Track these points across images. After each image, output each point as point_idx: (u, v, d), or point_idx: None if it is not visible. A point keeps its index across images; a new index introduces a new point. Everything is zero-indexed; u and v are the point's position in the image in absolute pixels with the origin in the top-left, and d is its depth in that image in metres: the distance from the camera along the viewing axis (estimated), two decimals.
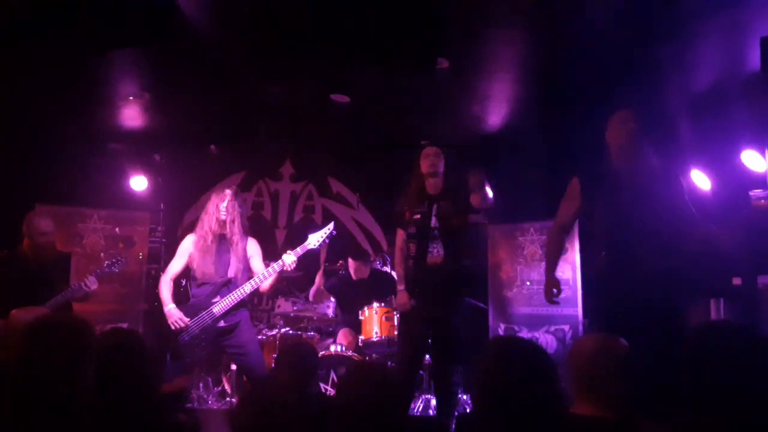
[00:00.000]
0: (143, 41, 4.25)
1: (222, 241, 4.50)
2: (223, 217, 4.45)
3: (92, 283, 4.56)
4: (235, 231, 4.47)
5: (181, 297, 4.88)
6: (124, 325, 6.31)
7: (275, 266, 4.46)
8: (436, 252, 4.25)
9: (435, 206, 4.30)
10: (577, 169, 3.79)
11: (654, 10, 4.03)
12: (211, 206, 4.52)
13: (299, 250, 4.54)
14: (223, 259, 4.49)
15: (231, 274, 4.47)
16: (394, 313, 5.35)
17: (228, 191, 4.56)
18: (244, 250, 4.53)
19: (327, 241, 4.69)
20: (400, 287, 4.39)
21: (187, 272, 4.64)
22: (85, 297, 4.58)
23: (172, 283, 4.53)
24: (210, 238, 4.45)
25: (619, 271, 3.49)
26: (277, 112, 6.28)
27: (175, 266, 4.55)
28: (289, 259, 4.44)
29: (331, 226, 4.75)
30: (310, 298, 6.20)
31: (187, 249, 4.56)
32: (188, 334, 4.36)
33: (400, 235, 4.45)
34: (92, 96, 5.64)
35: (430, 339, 4.35)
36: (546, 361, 1.82)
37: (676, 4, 3.92)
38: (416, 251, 4.29)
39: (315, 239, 4.64)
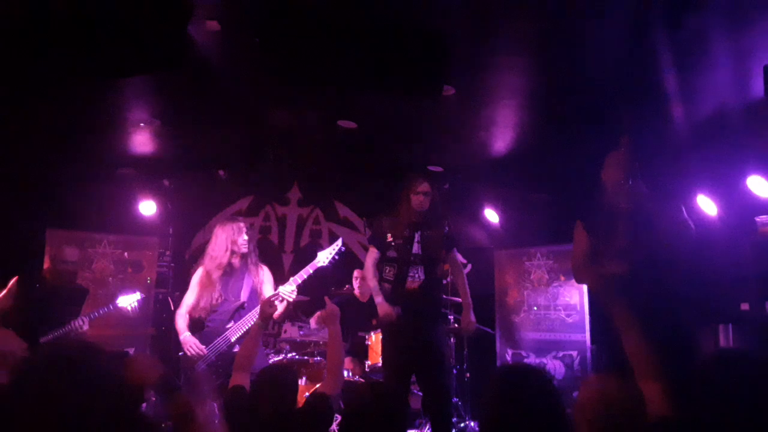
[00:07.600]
0: (154, 69, 4.30)
1: (232, 270, 4.49)
2: (245, 251, 4.49)
3: (84, 325, 4.57)
4: (253, 261, 4.54)
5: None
6: (131, 350, 6.35)
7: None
8: (418, 277, 4.20)
9: (418, 234, 4.27)
10: (576, 209, 3.83)
11: (658, 38, 4.07)
12: (223, 239, 4.48)
13: (303, 274, 4.40)
14: (232, 288, 4.47)
15: (243, 299, 4.46)
16: None
17: (242, 225, 4.58)
18: (258, 277, 4.55)
19: (337, 257, 4.55)
20: (379, 299, 4.20)
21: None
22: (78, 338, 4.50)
23: (188, 316, 4.48)
24: (219, 273, 4.44)
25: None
26: (285, 138, 6.34)
27: (189, 299, 4.53)
28: (286, 289, 4.33)
29: (339, 242, 4.66)
30: (313, 324, 6.06)
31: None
32: (205, 362, 4.32)
33: (373, 251, 4.39)
34: (103, 122, 5.68)
35: (415, 368, 4.23)
36: (552, 389, 1.82)
37: (680, 32, 3.96)
38: (395, 276, 4.23)
39: (324, 256, 4.53)
